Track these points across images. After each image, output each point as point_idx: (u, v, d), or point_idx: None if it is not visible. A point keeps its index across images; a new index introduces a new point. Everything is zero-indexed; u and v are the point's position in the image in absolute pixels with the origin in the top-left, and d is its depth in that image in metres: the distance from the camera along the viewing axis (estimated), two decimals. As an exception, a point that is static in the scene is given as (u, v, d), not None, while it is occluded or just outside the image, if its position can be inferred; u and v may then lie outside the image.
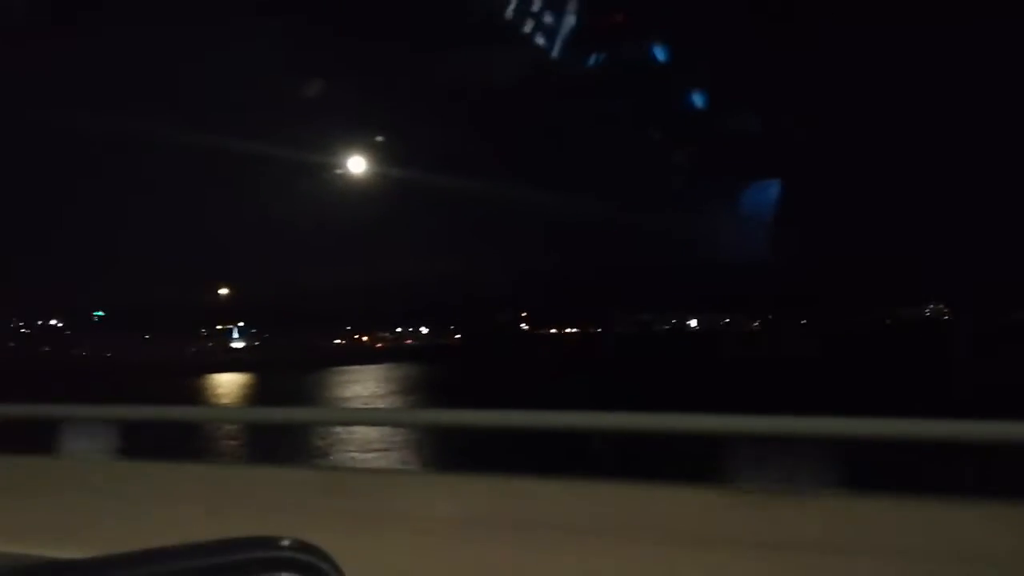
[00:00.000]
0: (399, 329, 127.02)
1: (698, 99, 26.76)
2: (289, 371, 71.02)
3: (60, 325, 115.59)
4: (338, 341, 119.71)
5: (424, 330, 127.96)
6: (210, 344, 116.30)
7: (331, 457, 22.27)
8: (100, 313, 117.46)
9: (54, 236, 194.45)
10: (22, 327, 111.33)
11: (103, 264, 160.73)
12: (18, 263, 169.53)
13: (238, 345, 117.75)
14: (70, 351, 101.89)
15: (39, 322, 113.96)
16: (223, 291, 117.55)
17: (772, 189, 41.45)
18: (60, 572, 1.04)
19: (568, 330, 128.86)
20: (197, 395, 56.80)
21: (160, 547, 1.12)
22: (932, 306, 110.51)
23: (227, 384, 67.95)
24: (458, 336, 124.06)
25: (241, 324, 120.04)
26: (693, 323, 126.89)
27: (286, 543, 1.16)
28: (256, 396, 54.72)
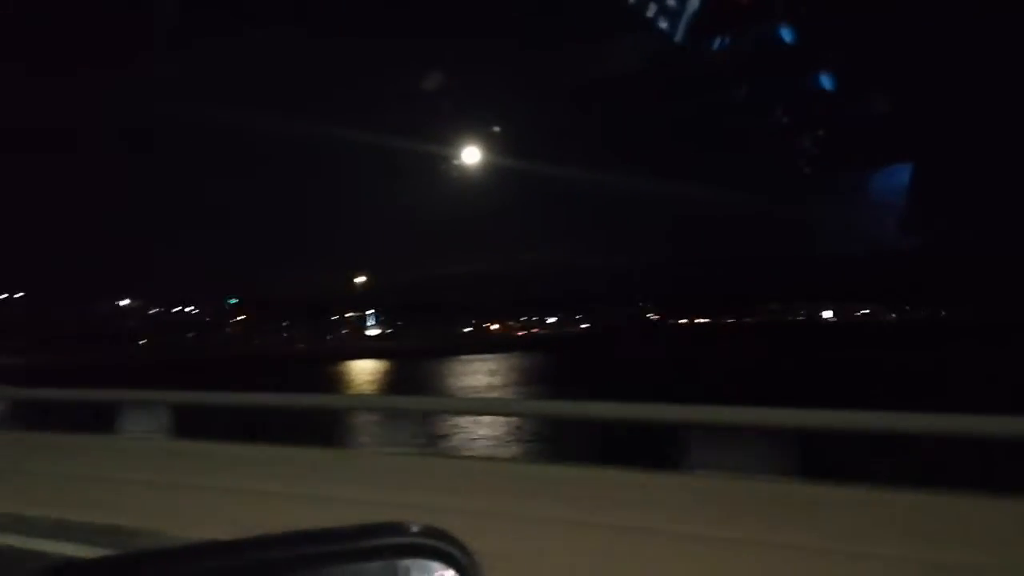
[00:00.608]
0: (522, 318, 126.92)
1: (826, 81, 26.29)
2: (424, 359, 72.04)
3: (196, 311, 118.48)
4: (467, 329, 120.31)
5: (551, 320, 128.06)
6: (344, 331, 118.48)
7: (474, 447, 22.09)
8: (233, 300, 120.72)
9: (190, 225, 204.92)
10: (160, 311, 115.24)
11: (235, 252, 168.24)
12: (154, 249, 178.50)
13: (373, 332, 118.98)
14: (212, 338, 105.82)
15: (176, 308, 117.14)
16: (359, 279, 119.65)
17: (903, 174, 40.34)
18: (192, 553, 1.09)
19: (699, 320, 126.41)
20: (351, 382, 56.66)
21: (292, 531, 1.15)
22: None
23: (372, 371, 67.81)
24: (585, 326, 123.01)
25: (370, 311, 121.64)
26: (828, 314, 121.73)
27: (418, 529, 1.18)
28: (415, 384, 53.90)
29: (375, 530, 1.18)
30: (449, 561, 1.14)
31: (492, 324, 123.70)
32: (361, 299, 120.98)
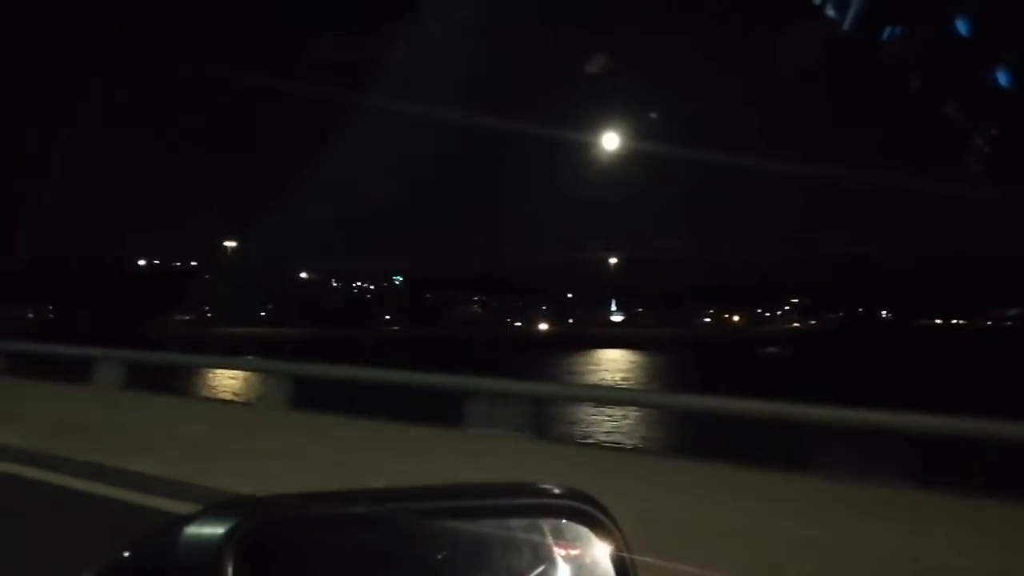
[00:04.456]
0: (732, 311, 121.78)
1: (1003, 77, 26.03)
2: (678, 351, 64.39)
3: (368, 286, 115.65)
4: (706, 319, 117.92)
5: (767, 313, 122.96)
6: (581, 310, 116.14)
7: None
8: (399, 277, 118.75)
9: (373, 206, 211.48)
10: (335, 283, 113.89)
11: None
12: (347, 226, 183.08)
13: (617, 318, 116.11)
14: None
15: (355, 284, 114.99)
16: (612, 260, 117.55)
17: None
18: (351, 497, 1.12)
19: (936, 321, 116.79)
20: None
21: (447, 484, 1.21)
22: None
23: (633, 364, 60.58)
24: (812, 322, 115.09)
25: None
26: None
27: (563, 491, 1.19)
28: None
29: (521, 489, 1.23)
30: (592, 524, 1.16)
31: (733, 315, 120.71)
32: (598, 282, 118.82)
